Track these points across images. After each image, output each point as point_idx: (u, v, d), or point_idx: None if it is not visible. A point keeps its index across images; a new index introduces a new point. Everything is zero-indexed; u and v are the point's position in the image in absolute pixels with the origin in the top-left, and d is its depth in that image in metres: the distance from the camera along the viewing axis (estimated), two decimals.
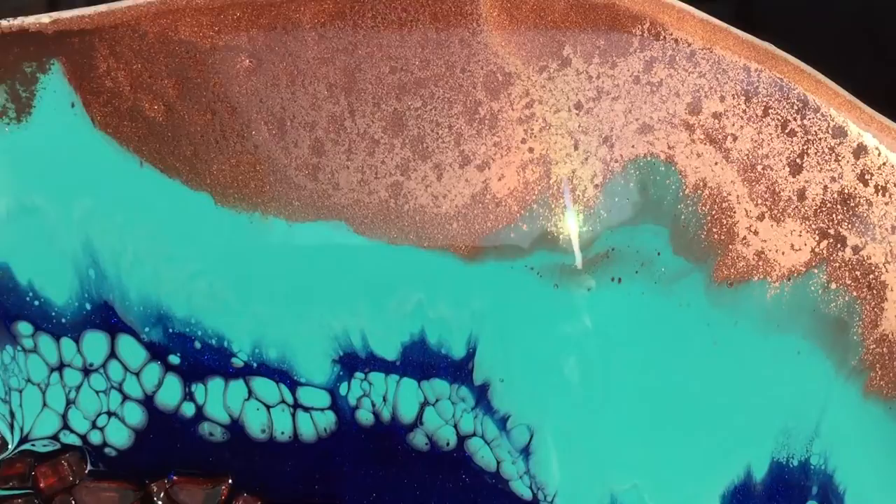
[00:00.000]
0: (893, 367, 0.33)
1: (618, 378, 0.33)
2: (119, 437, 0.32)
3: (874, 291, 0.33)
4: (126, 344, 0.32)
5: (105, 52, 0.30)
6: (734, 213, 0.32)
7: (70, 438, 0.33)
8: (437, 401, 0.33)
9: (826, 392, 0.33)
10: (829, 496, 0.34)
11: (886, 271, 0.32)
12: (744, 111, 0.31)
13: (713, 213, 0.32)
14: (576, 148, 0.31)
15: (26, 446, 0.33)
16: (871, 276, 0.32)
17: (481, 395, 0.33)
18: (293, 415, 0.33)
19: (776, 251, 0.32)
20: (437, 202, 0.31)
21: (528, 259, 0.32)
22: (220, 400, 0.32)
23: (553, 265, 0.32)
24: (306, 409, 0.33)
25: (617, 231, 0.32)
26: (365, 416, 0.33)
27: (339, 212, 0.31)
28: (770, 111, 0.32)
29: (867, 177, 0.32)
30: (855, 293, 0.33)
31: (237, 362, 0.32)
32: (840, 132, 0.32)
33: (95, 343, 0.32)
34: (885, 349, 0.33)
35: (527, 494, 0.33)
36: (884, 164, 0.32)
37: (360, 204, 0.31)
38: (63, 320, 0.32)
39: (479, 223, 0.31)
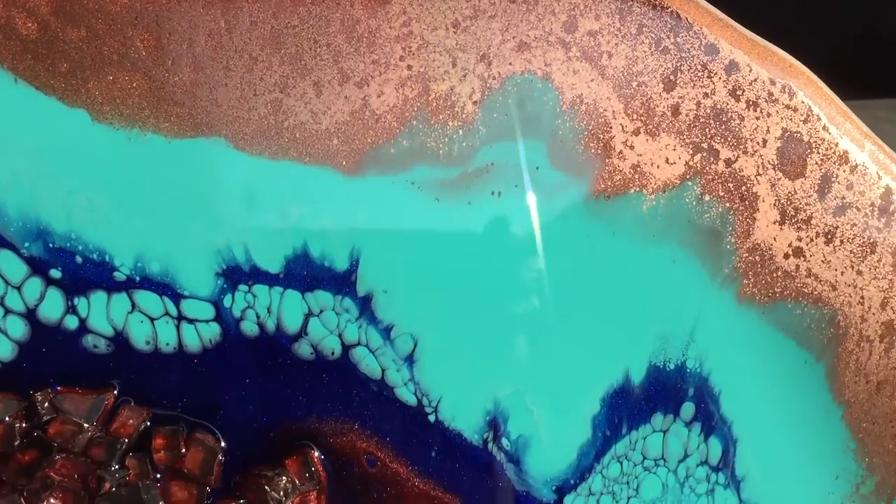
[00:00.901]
0: (765, 275, 0.34)
1: (498, 287, 0.33)
2: (2, 349, 0.33)
3: (746, 202, 0.33)
4: (6, 258, 0.32)
5: None
6: (610, 128, 0.32)
7: None
8: (321, 312, 0.33)
9: (701, 299, 0.34)
10: (705, 397, 0.35)
11: (758, 183, 0.33)
12: (618, 29, 0.32)
13: (590, 128, 0.32)
14: (454, 65, 0.32)
15: None
16: (744, 187, 0.33)
17: (365, 306, 0.33)
18: (177, 327, 0.33)
19: (651, 164, 0.33)
20: (316, 119, 0.31)
21: (408, 174, 0.32)
22: (103, 313, 0.33)
23: (433, 180, 0.32)
24: (191, 321, 0.33)
25: (496, 146, 0.32)
26: (249, 328, 0.33)
27: (218, 128, 0.31)
28: (644, 29, 0.32)
29: (738, 92, 0.32)
30: (728, 204, 0.33)
31: (119, 276, 0.32)
32: (712, 49, 0.32)
33: None
34: (756, 257, 0.34)
35: (411, 401, 0.34)
36: (755, 80, 0.32)
37: (240, 120, 0.31)
38: None
39: (359, 139, 0.32)
